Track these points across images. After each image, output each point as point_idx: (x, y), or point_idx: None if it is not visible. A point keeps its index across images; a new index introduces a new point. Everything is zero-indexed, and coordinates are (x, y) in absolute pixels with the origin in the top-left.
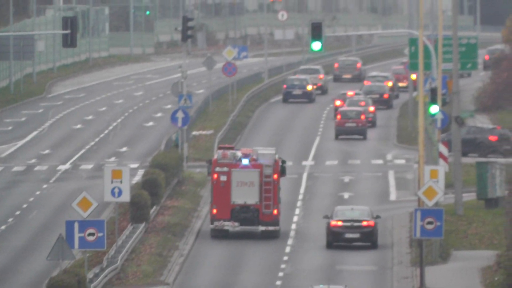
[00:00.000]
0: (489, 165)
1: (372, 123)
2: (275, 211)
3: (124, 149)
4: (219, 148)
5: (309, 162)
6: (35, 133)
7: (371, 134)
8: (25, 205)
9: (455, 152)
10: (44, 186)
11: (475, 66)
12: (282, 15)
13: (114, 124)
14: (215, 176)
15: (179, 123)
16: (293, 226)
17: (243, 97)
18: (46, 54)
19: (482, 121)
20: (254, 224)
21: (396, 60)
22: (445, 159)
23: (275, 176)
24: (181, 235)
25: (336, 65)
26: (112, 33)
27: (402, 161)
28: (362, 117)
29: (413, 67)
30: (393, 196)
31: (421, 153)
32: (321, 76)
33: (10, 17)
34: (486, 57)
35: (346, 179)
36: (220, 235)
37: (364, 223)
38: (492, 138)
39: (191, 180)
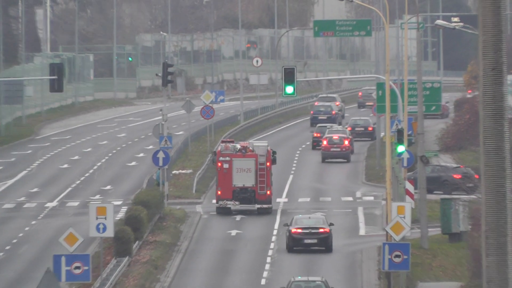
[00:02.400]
0: (453, 202)
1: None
2: (268, 192)
3: (108, 187)
4: (222, 141)
5: (283, 199)
6: (24, 172)
7: (341, 172)
8: (15, 240)
9: (420, 189)
10: (33, 222)
11: (439, 109)
12: (257, 61)
13: (99, 164)
14: (219, 164)
15: (160, 163)
16: (268, 259)
17: (220, 138)
18: (34, 99)
19: (446, 160)
20: (251, 202)
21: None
22: (411, 196)
23: (268, 164)
24: (163, 268)
25: (360, 93)
26: (97, 78)
27: (371, 198)
28: (346, 142)
29: (380, 109)
30: (362, 231)
31: (388, 190)
32: (337, 103)
33: (0, 64)
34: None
35: (318, 215)
36: (224, 211)
37: (321, 230)
38: (456, 176)
39: (171, 216)
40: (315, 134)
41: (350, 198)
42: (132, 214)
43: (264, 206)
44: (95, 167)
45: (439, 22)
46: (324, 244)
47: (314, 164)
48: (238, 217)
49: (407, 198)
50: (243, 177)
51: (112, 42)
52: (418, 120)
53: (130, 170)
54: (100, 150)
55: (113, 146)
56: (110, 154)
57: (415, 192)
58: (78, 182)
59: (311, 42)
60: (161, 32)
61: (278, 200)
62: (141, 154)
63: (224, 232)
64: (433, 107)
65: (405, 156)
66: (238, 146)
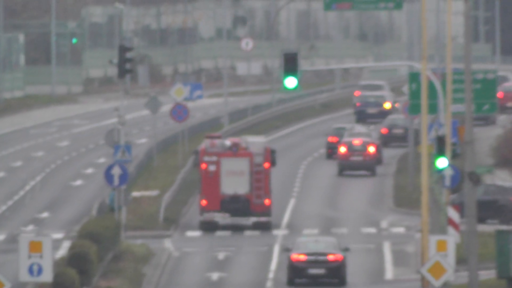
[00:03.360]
0: None
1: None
2: (267, 201)
3: (45, 214)
4: (207, 137)
5: (281, 231)
6: None
7: (361, 194)
8: None
9: (469, 217)
10: None
11: (494, 108)
12: (247, 44)
13: (32, 183)
14: (204, 166)
15: (115, 182)
16: None
17: (196, 148)
18: None
19: (504, 178)
20: (245, 215)
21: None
22: (456, 226)
23: (266, 164)
24: None
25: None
26: (29, 67)
27: (401, 230)
28: (371, 149)
29: (414, 109)
30: (389, 274)
31: (424, 219)
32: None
33: None
34: (500, 94)
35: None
36: (209, 227)
37: (331, 257)
38: None
39: (130, 255)
40: (330, 139)
41: (374, 230)
42: (77, 252)
43: (262, 219)
44: (27, 188)
45: None
46: (335, 275)
47: (324, 182)
48: (221, 255)
49: (451, 229)
50: (234, 182)
51: (49, 18)
52: (466, 123)
53: (75, 192)
54: (33, 164)
55: (51, 159)
56: (47, 170)
57: (461, 222)
58: (4, 208)
59: (320, 17)
60: (116, 4)
61: (275, 232)
62: (90, 170)
63: (202, 276)
64: (486, 106)
65: (448, 172)
66: (228, 142)
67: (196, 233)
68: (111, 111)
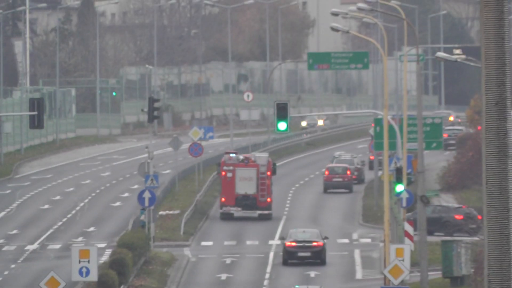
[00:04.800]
0: (454, 244)
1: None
2: (269, 199)
3: (91, 229)
4: (226, 153)
5: (275, 241)
6: (3, 213)
7: (337, 213)
8: None
9: (420, 230)
10: (12, 266)
11: (440, 145)
12: (248, 96)
13: (82, 204)
14: (224, 173)
15: (146, 203)
16: None
17: (209, 177)
18: (13, 135)
19: (448, 200)
20: (253, 209)
21: (362, 140)
22: (410, 237)
23: (268, 173)
24: None
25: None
26: (79, 114)
27: (368, 240)
28: (348, 172)
29: (378, 146)
30: (359, 274)
31: (386, 232)
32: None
33: None
34: (445, 135)
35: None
36: (227, 217)
37: (314, 243)
38: (458, 217)
39: (158, 260)
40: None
41: (347, 240)
42: (117, 257)
43: (265, 212)
44: (78, 208)
45: (440, 54)
46: (318, 257)
47: (308, 204)
48: (228, 260)
49: (406, 240)
50: (245, 185)
51: (94, 76)
52: (418, 157)
53: (115, 211)
54: (82, 189)
55: (96, 186)
56: (93, 194)
57: (414, 234)
58: (59, 223)
59: (305, 75)
60: (147, 65)
61: (270, 242)
62: (126, 194)
63: (213, 277)
64: (434, 144)
65: (404, 196)
66: (241, 157)
67: (209, 243)
68: (143, 148)
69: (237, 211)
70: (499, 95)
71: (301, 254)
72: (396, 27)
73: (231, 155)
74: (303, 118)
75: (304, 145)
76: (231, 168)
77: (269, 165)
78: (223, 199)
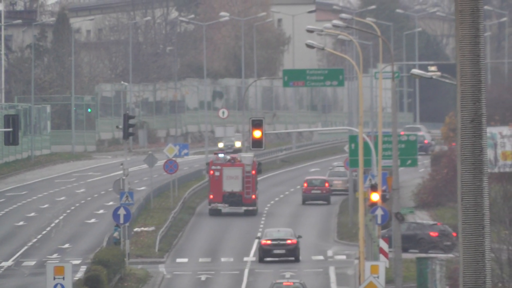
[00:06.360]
0: (429, 261)
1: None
2: (253, 196)
3: (66, 245)
4: (214, 153)
5: (250, 258)
6: None
7: (312, 230)
8: None
9: (395, 247)
10: None
11: (415, 163)
12: (223, 113)
13: (56, 221)
14: (212, 172)
15: (121, 220)
16: None
17: (184, 194)
18: None
19: (422, 218)
20: (239, 205)
21: (337, 157)
22: (385, 254)
23: (253, 172)
24: None
25: None
26: (54, 131)
27: (343, 257)
28: (326, 185)
29: (353, 164)
30: None
31: (361, 249)
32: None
33: None
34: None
35: (288, 275)
36: (215, 213)
37: (289, 241)
38: (433, 234)
39: (133, 277)
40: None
41: (321, 257)
42: (92, 274)
43: (250, 208)
44: (53, 224)
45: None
46: (292, 254)
47: (282, 221)
48: (203, 277)
49: (381, 257)
50: (231, 183)
51: (70, 92)
52: (393, 174)
53: (90, 228)
54: (57, 206)
55: (71, 202)
56: (68, 211)
57: (389, 251)
58: (34, 240)
59: (280, 92)
60: (122, 82)
61: (245, 259)
62: (101, 211)
63: None
64: (409, 161)
65: (379, 213)
66: (228, 157)
67: (184, 260)
68: (118, 165)
69: (224, 207)
70: (475, 112)
71: (276, 251)
72: (371, 44)
73: (219, 155)
74: (278, 135)
75: (279, 162)
76: (218, 167)
77: (254, 165)
78: (211, 196)
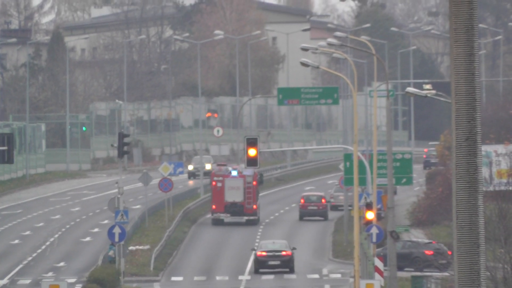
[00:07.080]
0: (424, 279)
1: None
2: (254, 206)
3: (61, 264)
4: (217, 165)
5: (245, 277)
6: None
7: (307, 249)
8: None
9: (390, 266)
10: None
11: (410, 181)
12: (218, 131)
13: (51, 239)
14: (214, 183)
15: (116, 239)
16: None
17: (179, 213)
18: None
19: (417, 236)
20: (241, 215)
21: (332, 175)
22: (380, 273)
23: (254, 183)
24: None
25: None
26: (49, 149)
27: (338, 276)
28: (323, 201)
29: (348, 182)
30: None
31: (356, 267)
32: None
33: None
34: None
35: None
36: (218, 223)
37: (283, 253)
38: (428, 252)
39: None
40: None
41: (316, 276)
42: None
43: (251, 218)
44: (48, 243)
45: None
46: (287, 265)
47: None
48: None
49: (376, 275)
50: (233, 194)
51: (64, 111)
52: (388, 193)
53: (85, 246)
54: (52, 224)
55: (66, 221)
56: (63, 229)
57: (384, 269)
58: (29, 258)
59: (275, 110)
60: (117, 100)
61: (240, 277)
62: (96, 229)
63: None
64: (404, 180)
65: (374, 231)
66: (230, 168)
67: (179, 278)
68: (113, 183)
69: (226, 217)
70: (469, 130)
71: (271, 262)
72: (366, 63)
73: (221, 167)
74: (272, 153)
75: (274, 180)
76: (220, 178)
77: (255, 176)
78: (214, 207)
